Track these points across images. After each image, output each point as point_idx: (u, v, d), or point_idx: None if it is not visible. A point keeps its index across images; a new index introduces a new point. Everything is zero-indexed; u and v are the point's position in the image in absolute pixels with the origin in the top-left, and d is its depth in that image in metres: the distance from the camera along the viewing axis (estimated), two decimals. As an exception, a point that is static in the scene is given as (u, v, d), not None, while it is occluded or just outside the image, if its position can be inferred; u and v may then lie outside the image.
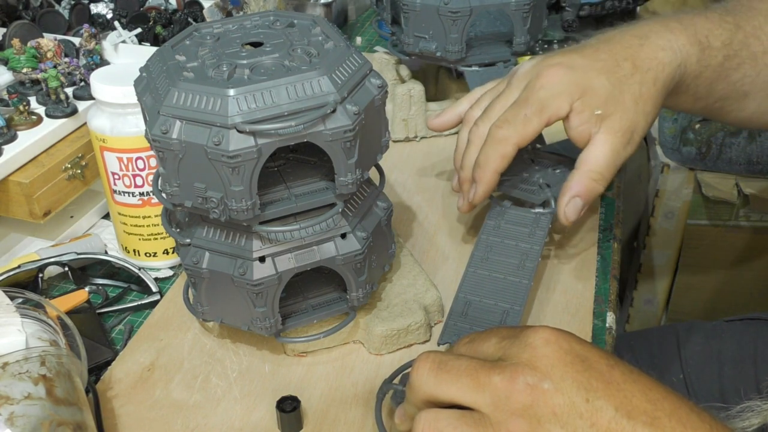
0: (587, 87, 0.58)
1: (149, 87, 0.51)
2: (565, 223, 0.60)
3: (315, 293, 0.58)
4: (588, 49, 0.60)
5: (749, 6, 0.65)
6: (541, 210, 0.64)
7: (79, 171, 0.70)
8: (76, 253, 0.67)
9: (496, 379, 0.40)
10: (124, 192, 0.65)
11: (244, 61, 0.50)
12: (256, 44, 0.53)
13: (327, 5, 1.10)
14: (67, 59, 0.76)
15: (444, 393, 0.42)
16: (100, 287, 0.67)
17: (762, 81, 0.64)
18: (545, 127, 0.59)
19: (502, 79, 0.65)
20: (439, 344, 0.56)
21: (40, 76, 0.74)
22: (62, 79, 0.72)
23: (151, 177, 0.64)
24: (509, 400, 0.39)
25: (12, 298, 0.53)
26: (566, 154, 0.71)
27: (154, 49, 0.61)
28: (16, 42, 0.75)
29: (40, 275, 0.65)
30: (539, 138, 0.73)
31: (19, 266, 0.64)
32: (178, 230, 0.56)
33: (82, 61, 0.78)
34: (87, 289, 0.65)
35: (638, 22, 0.63)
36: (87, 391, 0.50)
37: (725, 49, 0.62)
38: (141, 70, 0.53)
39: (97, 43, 0.79)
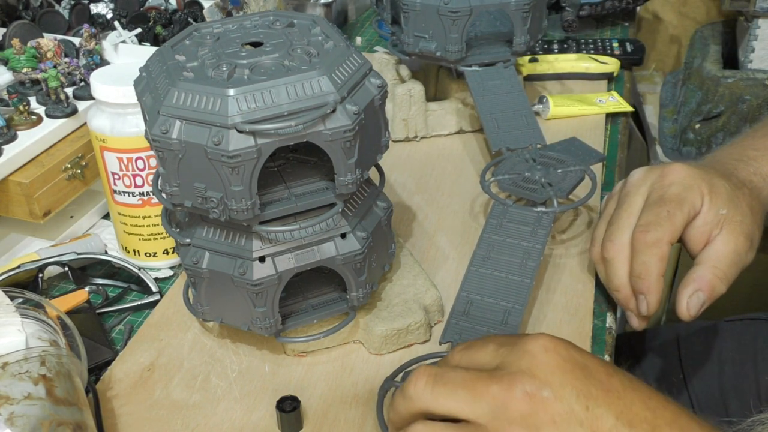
0: (712, 184, 0.57)
1: (149, 87, 0.51)
2: (686, 317, 0.57)
3: (315, 293, 0.58)
4: (695, 163, 0.60)
5: None
6: (543, 209, 0.64)
7: (79, 171, 0.70)
8: (76, 253, 0.67)
9: (494, 388, 0.40)
10: (124, 192, 0.65)
11: (244, 61, 0.50)
12: (256, 44, 0.53)
13: (327, 5, 1.10)
14: (67, 59, 0.76)
15: (441, 406, 0.41)
16: (100, 287, 0.67)
17: None
18: (688, 223, 0.57)
19: (606, 200, 0.64)
20: (440, 343, 0.56)
21: (40, 76, 0.74)
22: (62, 79, 0.72)
23: (151, 177, 0.64)
24: (507, 409, 0.39)
25: (12, 298, 0.53)
26: (567, 154, 0.71)
27: (154, 49, 0.61)
28: (16, 42, 0.75)
29: (40, 275, 0.65)
30: (540, 138, 0.73)
31: (19, 266, 0.64)
32: (178, 230, 0.56)
33: (82, 61, 0.78)
34: (87, 289, 0.65)
35: (731, 146, 0.64)
36: (87, 391, 0.50)
37: None
38: (141, 70, 0.53)
39: (97, 43, 0.79)
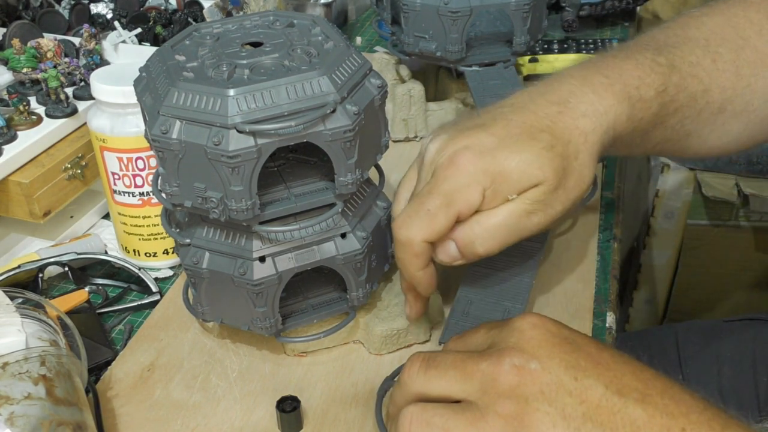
0: (498, 172, 0.50)
1: (149, 87, 0.51)
2: (439, 261, 0.53)
3: (315, 293, 0.58)
4: (500, 123, 0.52)
5: (684, 37, 0.59)
6: None
7: (79, 171, 0.70)
8: (76, 253, 0.67)
9: (483, 365, 0.40)
10: (124, 192, 0.65)
11: (244, 61, 0.50)
12: (256, 44, 0.53)
13: (327, 5, 1.10)
14: (67, 59, 0.76)
15: (433, 388, 0.42)
16: (100, 287, 0.67)
17: (705, 119, 0.59)
18: (458, 219, 0.51)
19: (415, 160, 0.57)
20: (440, 343, 0.56)
21: (40, 76, 0.74)
22: (62, 79, 0.72)
23: (151, 177, 0.64)
24: (496, 382, 0.39)
25: (12, 298, 0.53)
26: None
27: (154, 49, 0.61)
28: (16, 42, 0.75)
29: (40, 275, 0.65)
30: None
31: (19, 266, 0.64)
32: (177, 230, 0.56)
33: (82, 61, 0.78)
34: (87, 289, 0.65)
35: (558, 77, 0.55)
36: (87, 391, 0.50)
37: (659, 97, 0.55)
38: (140, 70, 0.53)
39: (97, 43, 0.79)
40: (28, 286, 0.63)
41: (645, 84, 0.55)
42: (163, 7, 1.00)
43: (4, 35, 0.82)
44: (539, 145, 0.51)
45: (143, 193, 0.65)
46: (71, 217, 0.74)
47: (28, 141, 0.68)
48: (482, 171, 0.50)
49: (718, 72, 0.58)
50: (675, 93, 0.56)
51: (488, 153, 0.50)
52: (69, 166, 0.69)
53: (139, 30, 0.87)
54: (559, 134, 0.51)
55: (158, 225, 0.65)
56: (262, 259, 0.52)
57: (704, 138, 0.61)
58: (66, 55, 0.78)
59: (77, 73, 0.76)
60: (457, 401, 0.41)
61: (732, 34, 0.59)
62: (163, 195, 0.51)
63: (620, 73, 0.54)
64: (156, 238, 0.67)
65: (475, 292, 0.58)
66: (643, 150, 0.60)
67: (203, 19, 0.95)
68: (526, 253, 0.60)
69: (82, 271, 0.68)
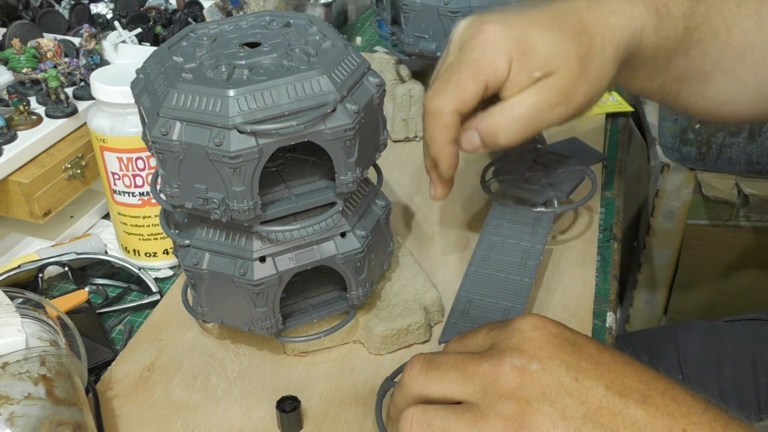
0: (526, 45, 0.51)
1: (147, 89, 0.51)
2: (464, 149, 0.55)
3: (315, 292, 0.58)
4: (532, 10, 0.54)
5: None
6: (543, 209, 0.64)
7: (79, 171, 0.70)
8: (76, 253, 0.67)
9: (483, 366, 0.40)
10: (124, 192, 0.65)
11: (243, 62, 0.50)
12: (253, 45, 0.53)
13: (327, 5, 1.10)
14: (67, 59, 0.76)
15: (434, 389, 0.41)
16: (100, 287, 0.67)
17: (724, 63, 0.59)
18: (486, 91, 0.52)
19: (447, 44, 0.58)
20: (440, 343, 0.56)
21: (40, 76, 0.74)
22: (62, 79, 0.72)
23: (151, 177, 0.64)
24: (497, 383, 0.39)
25: (12, 298, 0.53)
26: (567, 155, 0.71)
27: (154, 49, 0.61)
28: (16, 42, 0.75)
29: (40, 275, 0.65)
30: (540, 138, 0.73)
31: (19, 266, 0.64)
32: (176, 232, 0.56)
33: (82, 61, 0.78)
34: (87, 289, 0.65)
35: None
36: (87, 391, 0.50)
37: (685, 21, 0.56)
38: (137, 72, 0.53)
39: (97, 43, 0.79)
40: (28, 286, 0.63)
41: (673, 3, 0.55)
42: (163, 7, 1.00)
43: (4, 35, 0.82)
44: (568, 30, 0.52)
45: (143, 193, 0.65)
46: (71, 217, 0.74)
47: (28, 141, 0.68)
48: (511, 40, 0.51)
49: (742, 16, 0.58)
50: (700, 22, 0.57)
51: (518, 27, 0.52)
52: (69, 166, 0.69)
53: (139, 30, 0.87)
54: (588, 26, 0.52)
55: (158, 225, 0.65)
56: (262, 259, 0.52)
57: (720, 87, 0.60)
58: (66, 55, 0.78)
59: (77, 73, 0.76)
60: (458, 402, 0.41)
61: None
62: (163, 196, 0.51)
63: None
64: (156, 238, 0.67)
65: (475, 292, 0.58)
66: (661, 84, 0.60)
67: (203, 19, 0.95)
68: (525, 255, 0.60)
69: (82, 271, 0.68)
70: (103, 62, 0.80)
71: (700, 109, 0.63)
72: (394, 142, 0.86)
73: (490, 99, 0.54)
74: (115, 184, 0.65)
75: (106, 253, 0.70)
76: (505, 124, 0.52)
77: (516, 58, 0.51)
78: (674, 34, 0.56)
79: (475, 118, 0.53)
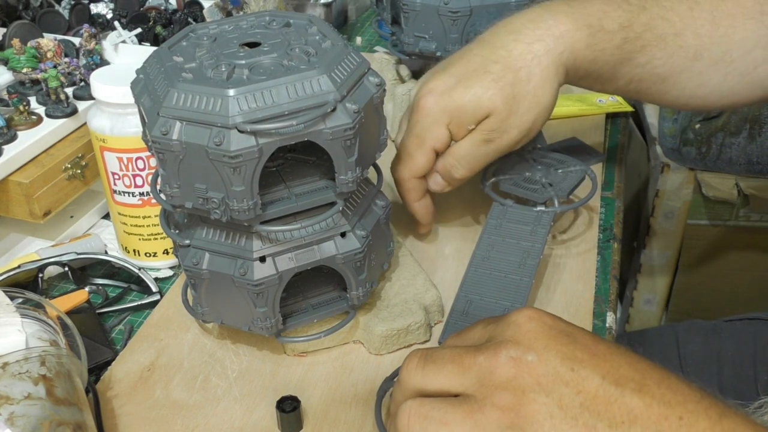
0: (455, 108, 0.59)
1: (147, 89, 0.51)
2: (433, 190, 0.64)
3: (315, 292, 0.58)
4: (462, 61, 0.61)
5: None
6: (543, 208, 0.64)
7: (79, 171, 0.70)
8: (76, 253, 0.67)
9: (480, 358, 0.40)
10: (124, 192, 0.65)
11: (243, 62, 0.50)
12: (253, 45, 0.53)
13: (327, 5, 1.10)
14: (67, 59, 0.76)
15: (431, 383, 0.42)
16: (100, 287, 0.67)
17: (679, 63, 0.62)
18: (438, 153, 0.62)
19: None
20: (440, 342, 0.56)
21: (40, 76, 0.74)
22: (62, 79, 0.72)
23: (151, 177, 0.64)
24: (493, 374, 0.39)
25: (12, 298, 0.53)
26: (567, 154, 0.71)
27: (154, 49, 0.61)
28: (16, 42, 0.75)
29: (40, 275, 0.65)
30: (540, 138, 0.73)
31: (19, 266, 0.64)
32: (176, 231, 0.56)
33: (82, 61, 0.78)
34: (87, 289, 0.65)
35: (527, 9, 0.61)
36: (87, 391, 0.50)
37: (623, 32, 0.59)
38: (137, 72, 0.53)
39: (97, 43, 0.79)
40: (28, 286, 0.63)
41: (608, 17, 0.59)
42: (163, 7, 1.00)
43: (4, 35, 0.82)
44: (489, 77, 0.58)
45: (143, 193, 0.65)
46: (71, 217, 0.74)
47: (28, 141, 0.68)
48: (442, 110, 0.59)
49: (693, 18, 0.61)
50: (641, 31, 0.60)
51: (447, 93, 0.59)
52: (69, 166, 0.69)
53: (139, 30, 0.87)
54: (511, 63, 0.58)
55: (158, 225, 0.65)
56: (262, 259, 0.51)
57: (682, 85, 0.64)
58: (66, 55, 0.78)
59: (77, 73, 0.76)
60: (456, 395, 0.41)
61: None
62: (163, 196, 0.51)
63: (585, 5, 0.60)
64: (156, 238, 0.67)
65: (475, 292, 0.58)
66: (615, 86, 0.65)
67: (203, 19, 0.95)
68: (525, 254, 0.60)
69: (82, 271, 0.68)
70: (103, 62, 0.80)
71: (667, 102, 0.67)
72: (394, 142, 0.85)
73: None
74: (115, 184, 0.65)
75: (106, 253, 0.70)
76: (455, 163, 0.62)
77: (452, 121, 0.60)
78: (611, 46, 0.60)
79: (437, 161, 0.62)
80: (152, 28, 0.92)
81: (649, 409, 0.37)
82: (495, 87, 0.58)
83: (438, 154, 0.62)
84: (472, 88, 0.59)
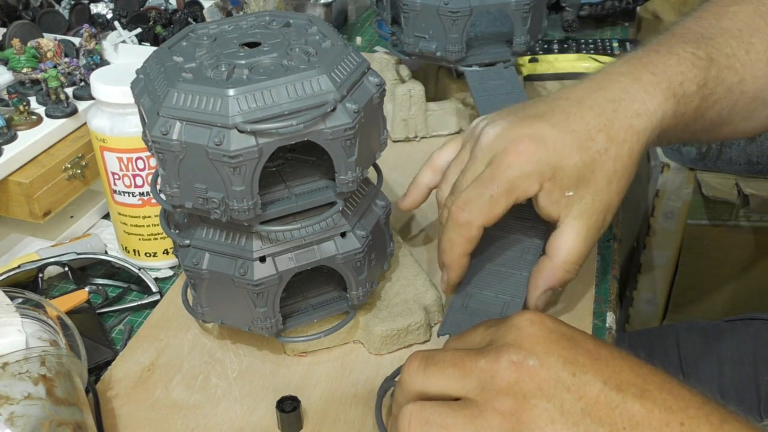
0: (558, 167, 0.52)
1: (147, 88, 0.51)
2: (535, 310, 0.55)
3: (315, 292, 0.58)
4: (558, 115, 0.54)
5: (719, 28, 0.60)
6: None
7: (79, 171, 0.70)
8: (76, 253, 0.67)
9: (481, 362, 0.40)
10: (124, 192, 0.65)
11: (243, 61, 0.50)
12: (253, 44, 0.53)
13: (327, 5, 1.10)
14: (67, 59, 0.76)
15: (432, 386, 0.42)
16: (100, 287, 0.67)
17: (738, 109, 0.60)
18: (512, 204, 0.54)
19: (464, 141, 0.59)
20: (438, 335, 0.56)
21: (40, 76, 0.74)
22: (62, 79, 0.72)
23: (151, 177, 0.64)
24: (494, 379, 0.39)
25: (12, 298, 0.53)
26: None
27: (154, 49, 0.61)
28: (16, 42, 0.75)
29: (40, 275, 0.65)
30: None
31: (19, 266, 0.64)
32: (176, 231, 0.56)
33: (82, 61, 0.78)
34: (87, 289, 0.65)
35: (608, 73, 0.57)
36: (87, 391, 0.50)
37: (700, 92, 0.57)
38: (137, 72, 0.53)
39: (97, 43, 0.79)
40: (28, 286, 0.63)
41: (687, 80, 0.56)
42: (163, 7, 1.00)
43: (4, 35, 0.82)
44: (595, 147, 0.53)
45: (143, 193, 0.65)
46: (71, 217, 0.74)
47: (28, 141, 0.68)
48: (544, 162, 0.52)
49: (751, 63, 0.59)
50: (714, 86, 0.58)
51: (550, 145, 0.52)
52: (69, 166, 0.69)
53: (139, 30, 0.88)
54: (614, 135, 0.54)
55: (158, 225, 0.65)
56: (262, 259, 0.51)
57: (735, 125, 0.62)
58: (66, 55, 0.78)
59: (77, 73, 0.76)
60: (457, 399, 0.41)
61: (762, 24, 0.60)
62: (163, 196, 0.51)
63: (665, 69, 0.56)
64: (156, 238, 0.67)
65: (474, 285, 0.58)
66: (677, 140, 0.62)
67: (203, 19, 0.95)
68: (524, 249, 0.60)
69: (82, 271, 0.68)
70: (103, 62, 0.80)
71: (713, 139, 0.67)
72: (394, 142, 0.86)
73: None
74: (115, 184, 0.65)
75: (106, 253, 0.70)
76: (571, 268, 0.55)
77: (548, 180, 0.53)
78: (691, 109, 0.57)
79: (541, 280, 0.55)
80: (152, 28, 0.92)
81: (650, 415, 0.37)
82: (600, 160, 0.53)
83: None
84: (578, 152, 0.53)
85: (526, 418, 0.38)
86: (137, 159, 0.63)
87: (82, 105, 0.73)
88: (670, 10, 1.47)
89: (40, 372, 0.46)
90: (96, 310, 0.63)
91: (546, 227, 0.62)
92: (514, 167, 0.52)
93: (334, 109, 0.48)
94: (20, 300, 0.54)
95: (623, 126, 0.54)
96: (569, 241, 0.54)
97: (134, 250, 0.68)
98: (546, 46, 1.04)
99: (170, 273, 0.69)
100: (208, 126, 0.47)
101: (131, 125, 0.62)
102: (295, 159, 0.56)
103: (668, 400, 0.38)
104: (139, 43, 0.87)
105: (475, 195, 0.53)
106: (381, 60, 0.89)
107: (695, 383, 0.79)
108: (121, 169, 0.64)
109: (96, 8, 0.98)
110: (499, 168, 0.53)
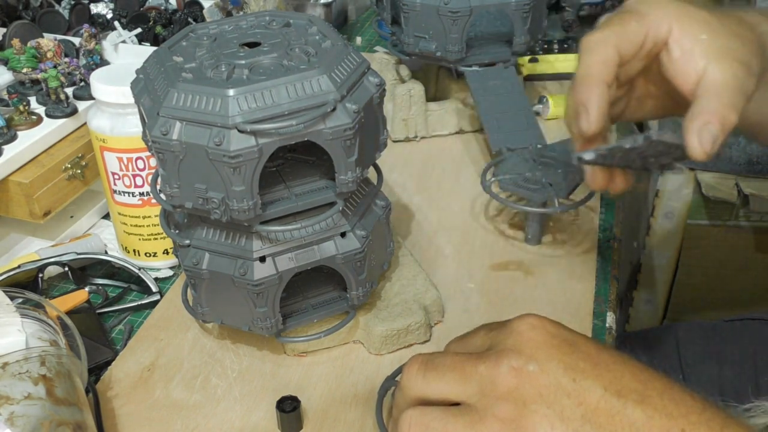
0: (684, 11, 0.48)
1: (147, 89, 0.51)
2: (699, 153, 0.47)
3: (315, 292, 0.58)
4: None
5: None
6: (543, 209, 0.64)
7: (79, 171, 0.70)
8: (76, 253, 0.67)
9: (481, 367, 0.40)
10: (124, 192, 0.65)
11: (243, 62, 0.50)
12: (253, 44, 0.53)
13: (327, 5, 1.10)
14: (67, 59, 0.76)
15: (433, 391, 0.42)
16: (100, 287, 0.67)
17: None
18: (643, 48, 0.49)
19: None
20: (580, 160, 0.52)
21: (40, 76, 0.74)
22: (62, 79, 0.72)
23: (151, 177, 0.64)
24: (494, 385, 0.39)
25: (12, 298, 0.53)
26: (567, 154, 0.71)
27: (154, 49, 0.61)
28: (16, 42, 0.75)
29: (40, 275, 0.65)
30: (540, 138, 0.73)
31: (19, 266, 0.64)
32: (177, 231, 0.56)
33: (82, 61, 0.78)
34: (87, 289, 0.65)
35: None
36: (87, 391, 0.50)
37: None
38: (137, 72, 0.53)
39: (97, 43, 0.79)
40: (28, 286, 0.63)
41: None
42: (163, 7, 1.00)
43: (4, 35, 0.82)
44: (721, 14, 0.49)
45: (143, 193, 0.65)
46: (71, 217, 0.74)
47: (28, 141, 0.68)
48: (672, 5, 0.49)
49: None
50: None
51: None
52: (69, 166, 0.69)
53: (139, 30, 0.87)
54: (737, 19, 0.50)
55: (158, 225, 0.65)
56: (262, 259, 0.51)
57: None
58: (66, 55, 0.78)
59: (77, 73, 0.76)
60: (457, 403, 0.41)
61: None
62: (163, 196, 0.51)
63: None
64: (156, 238, 0.67)
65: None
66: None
67: (203, 19, 0.95)
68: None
69: (82, 271, 0.68)
70: (103, 62, 0.80)
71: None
72: (394, 142, 0.86)
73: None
74: (115, 184, 0.65)
75: (106, 253, 0.70)
76: (728, 103, 0.46)
77: (675, 20, 0.48)
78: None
79: (696, 113, 0.47)
80: (152, 28, 0.92)
81: (651, 421, 0.37)
82: (725, 19, 0.49)
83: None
84: (703, 9, 0.48)
85: (526, 425, 0.38)
86: (137, 159, 0.63)
87: (82, 105, 0.73)
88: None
89: (40, 372, 0.46)
90: (96, 310, 0.63)
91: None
92: (642, 2, 0.49)
93: (334, 109, 0.48)
94: (20, 300, 0.54)
95: (751, 21, 0.50)
96: (718, 77, 0.47)
97: (134, 250, 0.68)
98: (546, 46, 1.03)
99: (170, 273, 0.69)
100: (208, 126, 0.47)
101: (131, 125, 0.62)
102: (295, 159, 0.56)
103: (669, 406, 0.38)
104: (139, 43, 0.87)
105: (605, 21, 0.50)
106: (381, 60, 0.89)
107: (695, 383, 0.79)
108: (121, 169, 0.64)
109: (96, 8, 0.98)
110: (627, 4, 0.50)
